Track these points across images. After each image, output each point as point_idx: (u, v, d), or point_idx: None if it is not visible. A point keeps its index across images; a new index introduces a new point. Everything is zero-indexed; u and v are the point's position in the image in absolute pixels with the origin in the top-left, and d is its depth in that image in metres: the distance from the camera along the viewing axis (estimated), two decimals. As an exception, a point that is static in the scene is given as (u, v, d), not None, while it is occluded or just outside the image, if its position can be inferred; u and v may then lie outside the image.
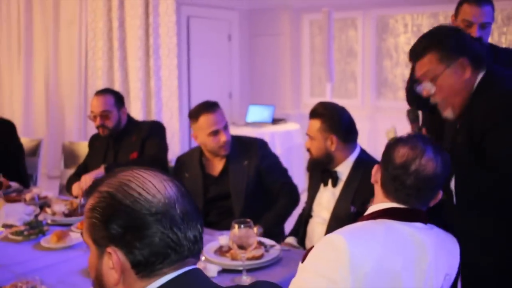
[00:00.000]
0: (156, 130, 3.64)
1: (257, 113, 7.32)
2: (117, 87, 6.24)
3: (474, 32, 2.83)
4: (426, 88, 2.12)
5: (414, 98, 2.92)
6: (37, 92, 7.21)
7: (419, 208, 1.81)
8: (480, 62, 2.12)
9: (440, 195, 1.83)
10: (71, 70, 6.97)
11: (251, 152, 3.18)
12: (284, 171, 3.27)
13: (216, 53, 7.75)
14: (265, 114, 7.27)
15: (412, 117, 2.25)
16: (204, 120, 3.09)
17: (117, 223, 1.09)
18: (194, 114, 3.14)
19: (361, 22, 7.56)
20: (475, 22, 2.84)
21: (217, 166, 3.23)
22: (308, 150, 2.88)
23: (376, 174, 1.88)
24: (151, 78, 6.29)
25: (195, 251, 1.13)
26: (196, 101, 7.25)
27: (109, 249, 1.10)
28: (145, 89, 6.33)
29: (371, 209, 1.86)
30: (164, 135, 3.69)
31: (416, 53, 2.18)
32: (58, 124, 7.11)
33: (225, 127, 3.12)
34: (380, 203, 1.84)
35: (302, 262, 1.71)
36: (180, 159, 3.43)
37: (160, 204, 1.09)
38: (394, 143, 1.84)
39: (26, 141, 4.64)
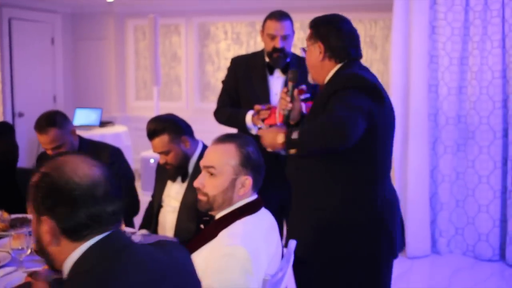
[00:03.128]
0: (4, 129, 3.77)
1: (84, 116, 7.36)
2: None
3: (277, 43, 3.35)
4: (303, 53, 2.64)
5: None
6: None
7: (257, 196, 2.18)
8: (338, 55, 2.51)
9: None
10: None
11: (101, 159, 3.32)
12: (129, 181, 3.43)
13: (40, 57, 7.63)
14: (92, 117, 7.35)
15: (291, 76, 2.71)
16: (38, 137, 3.25)
17: (51, 199, 1.36)
18: (34, 127, 3.27)
19: (184, 28, 7.94)
20: (277, 35, 3.33)
21: None
22: (166, 164, 3.06)
23: (245, 181, 2.10)
24: (-27, 82, 6.09)
25: (114, 221, 1.42)
26: (20, 105, 7.18)
27: (43, 218, 1.37)
28: (-34, 93, 6.11)
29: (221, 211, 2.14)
30: (13, 134, 3.82)
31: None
32: None
33: (56, 147, 3.22)
34: (240, 201, 2.12)
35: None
36: (41, 155, 3.53)
37: (85, 186, 1.36)
38: (245, 146, 2.15)
39: None
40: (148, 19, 6.74)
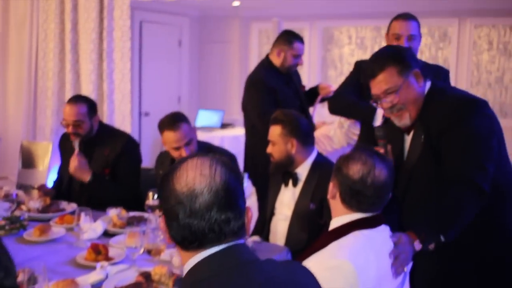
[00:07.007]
0: (130, 149, 3.66)
1: (206, 117, 7.51)
2: (68, 89, 6.28)
3: (402, 43, 3.20)
4: (388, 101, 2.28)
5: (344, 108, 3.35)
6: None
7: (378, 212, 2.06)
8: (424, 73, 2.33)
9: (390, 195, 2.09)
10: (20, 71, 6.90)
11: None
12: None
13: (167, 58, 7.89)
14: (214, 119, 7.48)
15: (379, 134, 2.51)
16: (166, 136, 3.21)
17: (162, 205, 1.35)
18: (160, 127, 3.25)
19: (308, 33, 7.89)
20: (403, 34, 3.20)
21: None
22: (270, 154, 3.09)
23: (333, 191, 2.10)
24: (104, 81, 6.34)
25: (224, 234, 1.30)
26: (146, 104, 7.45)
27: (161, 218, 1.36)
28: (98, 91, 6.38)
29: (336, 222, 2.07)
30: (138, 154, 3.73)
31: (373, 71, 2.30)
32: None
33: (188, 144, 3.21)
34: (342, 215, 2.05)
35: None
36: (160, 155, 3.59)
37: (183, 196, 1.28)
38: (344, 161, 2.06)
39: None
40: (272, 23, 6.75)
